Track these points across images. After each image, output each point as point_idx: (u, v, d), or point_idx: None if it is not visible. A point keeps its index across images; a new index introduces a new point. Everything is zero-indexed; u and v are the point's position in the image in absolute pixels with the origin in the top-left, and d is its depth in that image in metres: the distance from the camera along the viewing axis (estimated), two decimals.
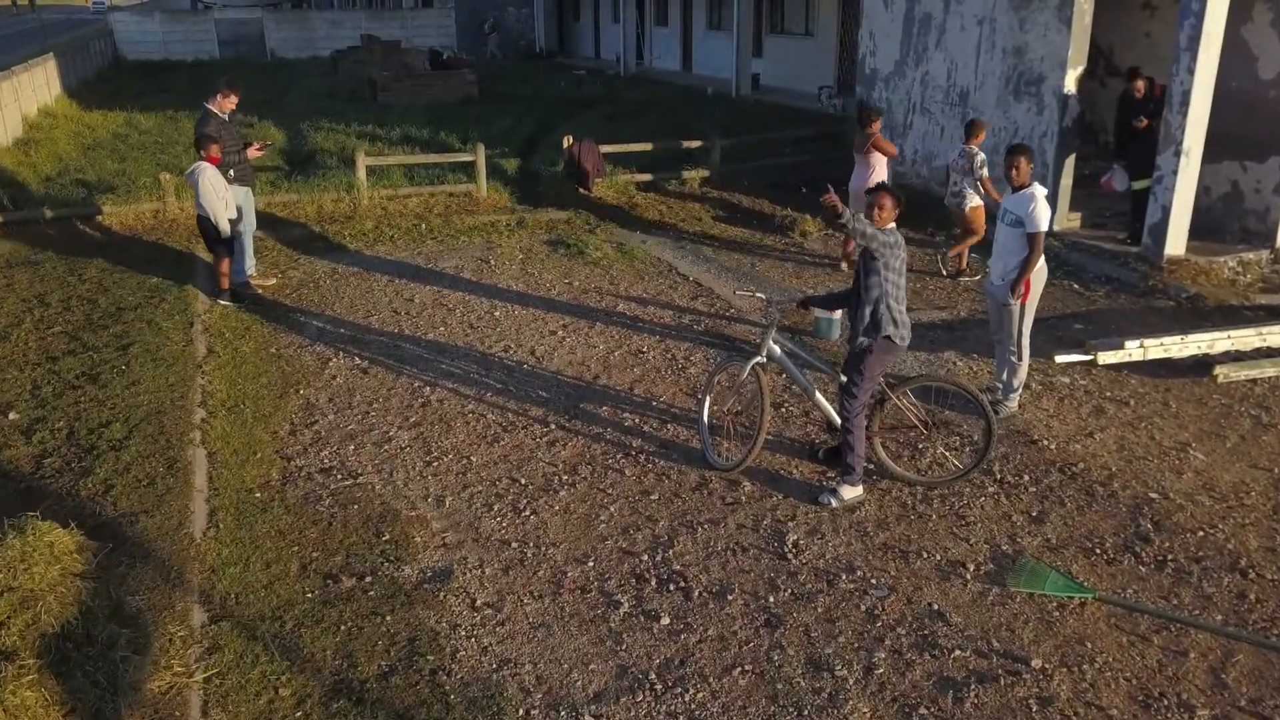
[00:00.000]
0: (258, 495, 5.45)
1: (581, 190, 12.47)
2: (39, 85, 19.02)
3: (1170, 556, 5.00)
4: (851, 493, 5.51)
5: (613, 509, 5.42)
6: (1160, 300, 9.01)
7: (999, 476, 5.80)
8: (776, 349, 5.78)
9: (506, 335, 8.07)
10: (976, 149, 9.57)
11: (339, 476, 5.72)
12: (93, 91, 23.34)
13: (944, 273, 10.02)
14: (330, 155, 14.23)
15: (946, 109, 12.39)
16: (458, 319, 8.45)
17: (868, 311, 5.32)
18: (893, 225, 5.29)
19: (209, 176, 8.35)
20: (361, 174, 11.61)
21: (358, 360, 7.50)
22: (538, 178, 13.81)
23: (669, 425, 6.45)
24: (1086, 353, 7.48)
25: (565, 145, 12.38)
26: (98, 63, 28.49)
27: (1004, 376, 6.71)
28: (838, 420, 5.66)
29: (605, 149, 12.65)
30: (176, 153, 14.43)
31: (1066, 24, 10.43)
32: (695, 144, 13.46)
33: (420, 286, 9.34)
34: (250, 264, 9.25)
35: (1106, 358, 7.29)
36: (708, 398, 6.07)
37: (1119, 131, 10.58)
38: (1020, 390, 6.65)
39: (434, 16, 36.56)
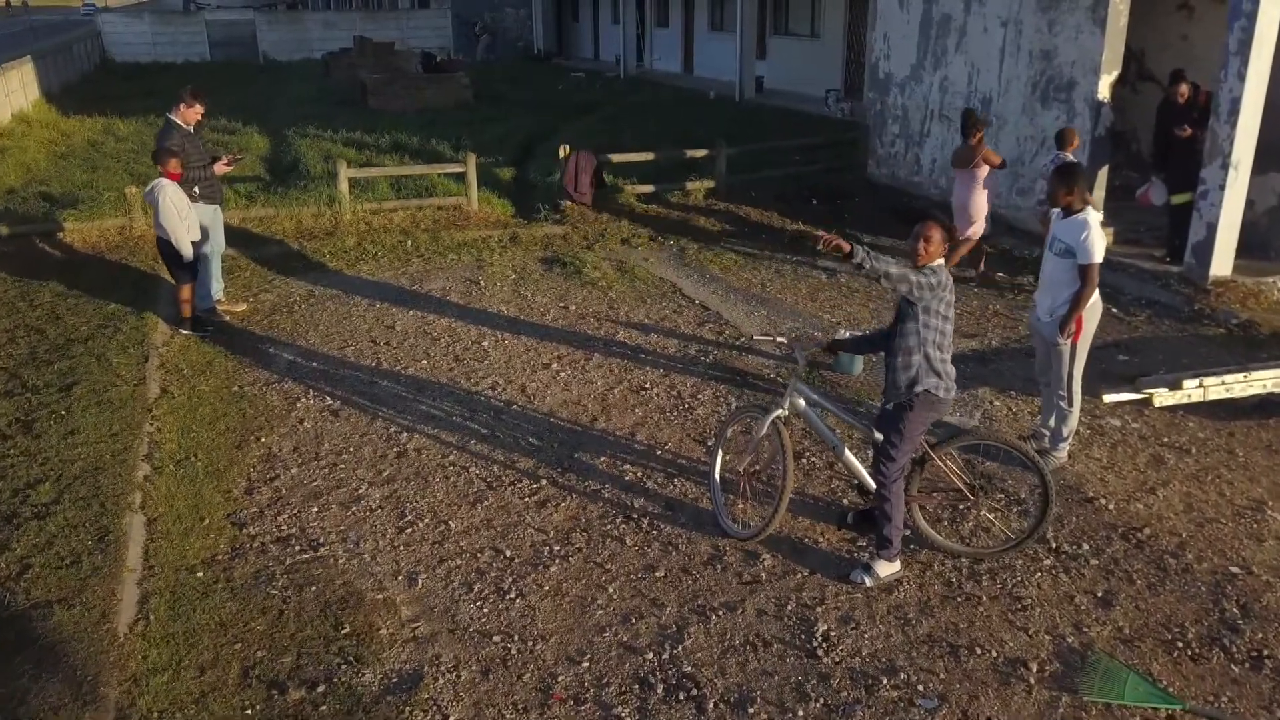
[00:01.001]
0: (200, 575, 4.70)
1: (579, 203, 11.73)
2: (13, 90, 18.29)
3: (1266, 652, 4.25)
4: (888, 569, 4.76)
5: (611, 590, 4.67)
6: (1208, 326, 8.27)
7: (1055, 545, 5.05)
8: (801, 401, 5.02)
9: (495, 369, 7.33)
10: (1070, 157, 8.77)
11: (297, 548, 4.98)
12: (75, 96, 22.61)
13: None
14: (314, 165, 13.48)
15: None
16: (442, 350, 7.70)
17: (906, 363, 4.57)
18: (939, 262, 4.54)
19: (170, 194, 7.62)
20: (344, 187, 10.87)
21: (329, 400, 6.76)
22: (533, 188, 13.09)
23: (675, 480, 5.71)
24: (1138, 391, 6.73)
25: (562, 156, 11.65)
26: (82, 65, 27.77)
27: (1051, 423, 5.97)
28: (871, 484, 4.92)
29: (604, 159, 11.90)
30: (151, 162, 13.67)
31: (1100, 26, 9.69)
32: (700, 154, 12.71)
33: (403, 312, 8.59)
34: (217, 288, 8.51)
35: (1163, 399, 6.54)
36: (720, 452, 5.32)
37: (1158, 141, 9.84)
38: (1070, 439, 5.90)
39: (430, 18, 35.84)
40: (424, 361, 7.47)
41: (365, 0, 50.82)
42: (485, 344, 7.84)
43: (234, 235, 10.46)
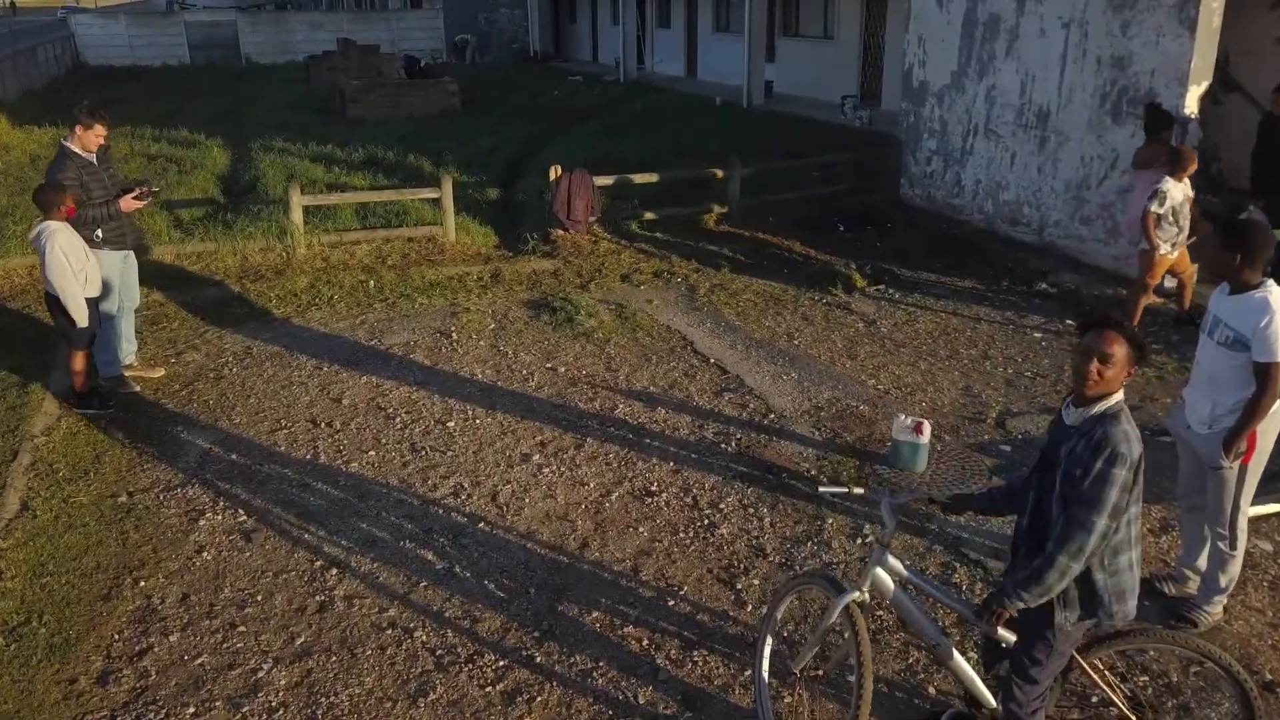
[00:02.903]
0: None
1: (572, 233, 10.19)
2: None
3: None
4: None
5: None
6: None
7: None
8: (888, 580, 3.42)
9: (461, 464, 5.79)
10: (1176, 187, 7.19)
11: None
12: (35, 103, 21.06)
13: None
14: (274, 185, 11.94)
15: (1020, 131, 10.11)
16: (396, 434, 6.17)
17: (1063, 571, 2.95)
18: (1118, 398, 2.98)
19: (60, 241, 6.07)
20: (296, 216, 9.31)
21: (243, 515, 5.22)
22: (522, 210, 11.55)
23: (695, 653, 4.17)
24: None
25: (552, 178, 10.11)
26: (51, 70, 26.26)
27: (1200, 563, 4.44)
28: (991, 701, 3.38)
29: (601, 180, 10.37)
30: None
31: (1189, 28, 8.17)
32: (712, 173, 11.17)
33: (355, 377, 7.06)
34: (128, 350, 6.98)
35: None
36: (768, 641, 3.76)
37: (1257, 163, 8.31)
38: (1229, 590, 4.36)
39: (421, 19, 34.31)
40: (372, 453, 5.93)
41: (357, 0, 49.36)
42: (451, 424, 6.30)
43: (166, 275, 8.95)
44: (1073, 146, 9.51)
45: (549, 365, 7.32)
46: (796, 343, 7.84)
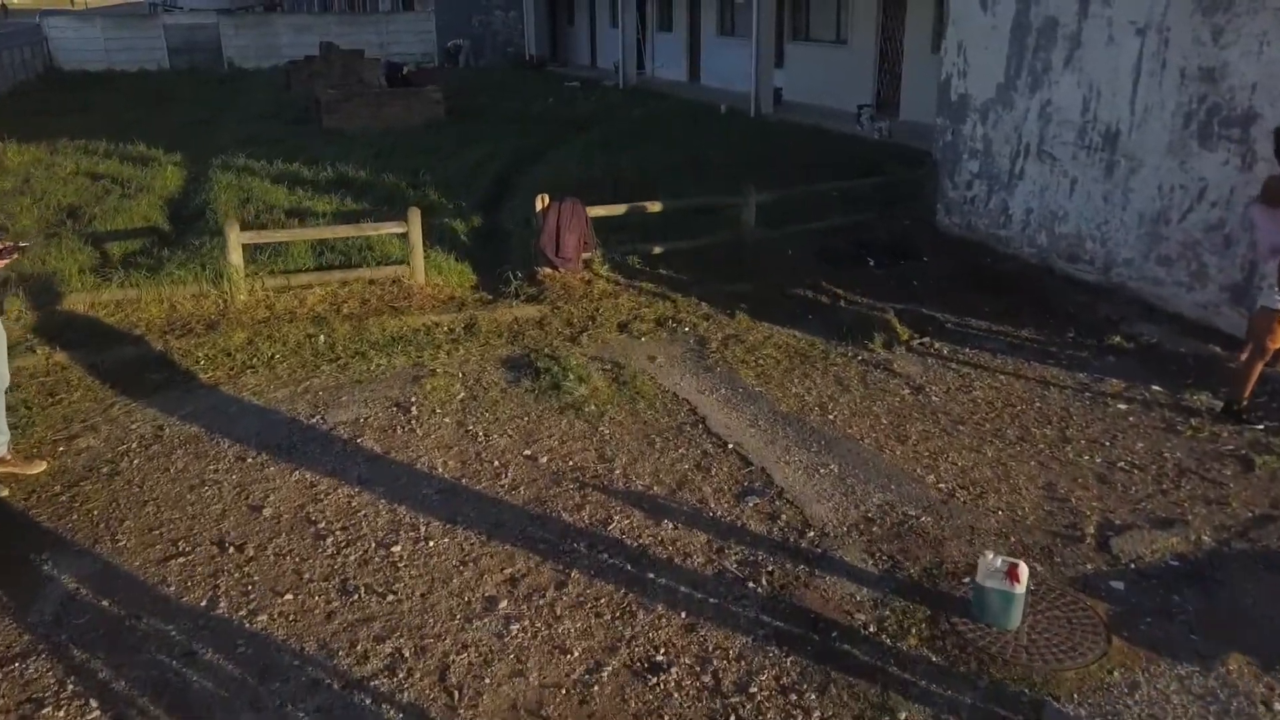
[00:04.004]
0: None
1: (562, 272, 8.79)
2: None
3: None
4: None
5: None
6: None
7: None
8: None
9: (403, 616, 4.37)
10: None
11: None
12: None
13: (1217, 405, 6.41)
14: (228, 212, 10.54)
15: (1081, 153, 8.70)
16: (323, 565, 4.75)
17: None
18: None
19: None
20: (235, 257, 7.88)
21: (95, 712, 3.80)
22: (506, 241, 10.14)
23: None
24: None
25: (538, 208, 8.70)
26: (18, 75, 24.91)
27: None
28: None
29: (597, 212, 8.95)
30: (18, 209, 10.75)
31: None
32: (725, 202, 9.77)
33: (285, 472, 5.65)
34: (1, 442, 5.56)
35: None
36: None
37: None
38: None
39: (412, 22, 32.95)
40: (289, 596, 4.51)
41: (351, 2, 48.01)
42: (397, 548, 4.89)
43: (75, 330, 7.55)
44: (1147, 173, 8.10)
45: (528, 453, 5.91)
46: (832, 418, 6.43)
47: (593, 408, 6.50)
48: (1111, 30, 8.24)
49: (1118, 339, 7.72)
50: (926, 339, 7.81)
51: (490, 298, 8.62)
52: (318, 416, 6.37)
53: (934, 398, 6.77)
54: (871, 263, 9.60)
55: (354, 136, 15.90)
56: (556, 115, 19.10)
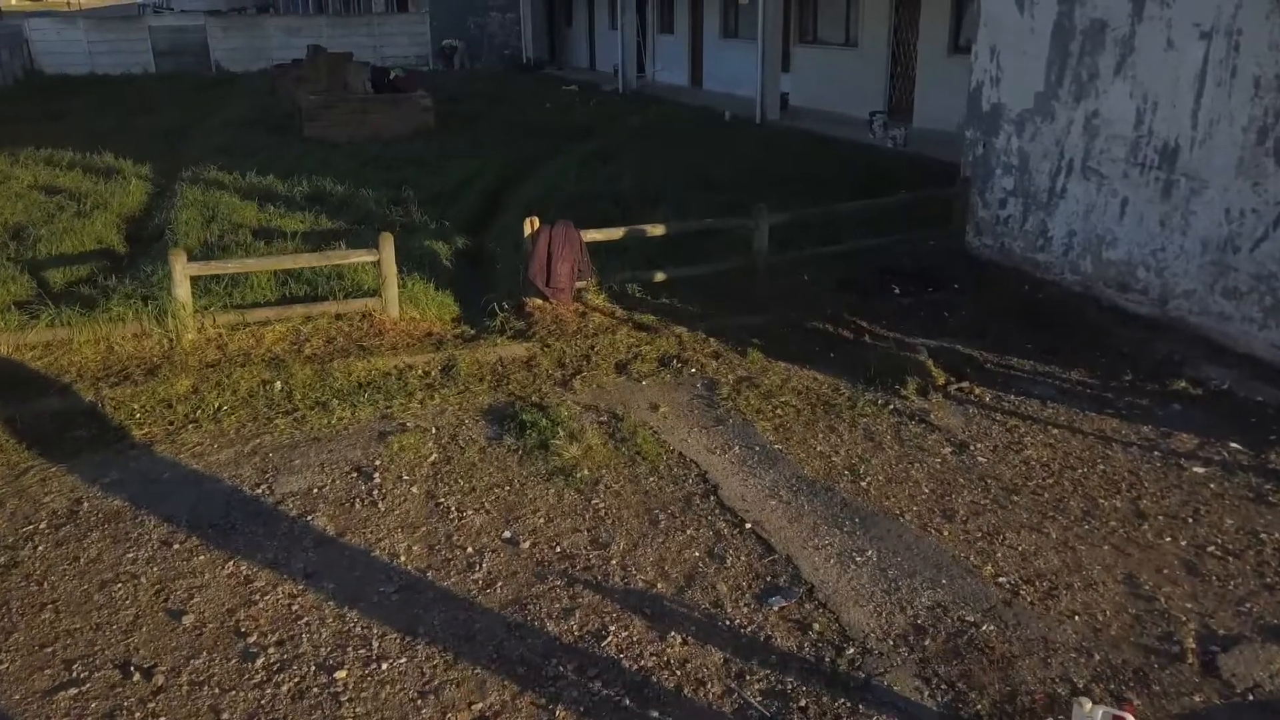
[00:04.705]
0: None
1: (554, 303, 7.87)
2: None
3: None
4: None
5: None
6: None
7: None
8: None
9: None
10: None
11: None
12: None
13: None
14: (189, 232, 9.62)
15: (1134, 171, 7.79)
16: (247, 700, 3.82)
17: None
18: None
19: None
20: (182, 292, 6.95)
21: None
22: (494, 265, 9.22)
23: None
24: None
25: (527, 233, 7.78)
26: None
27: None
28: None
29: (592, 236, 8.03)
30: None
31: None
32: (736, 225, 8.86)
33: (217, 563, 4.73)
34: None
35: None
36: None
37: None
38: None
39: (406, 24, 32.06)
40: None
41: (345, 3, 47.12)
42: (342, 675, 3.96)
43: None
44: (1213, 195, 7.19)
45: (507, 534, 4.99)
46: (865, 485, 5.51)
47: (585, 473, 5.59)
48: (1171, 33, 7.32)
49: (1183, 384, 6.80)
50: (965, 383, 6.89)
51: (473, 332, 7.70)
52: (264, 485, 5.45)
53: (980, 458, 5.86)
54: (897, 291, 8.68)
55: (336, 146, 14.98)
56: (553, 122, 18.19)
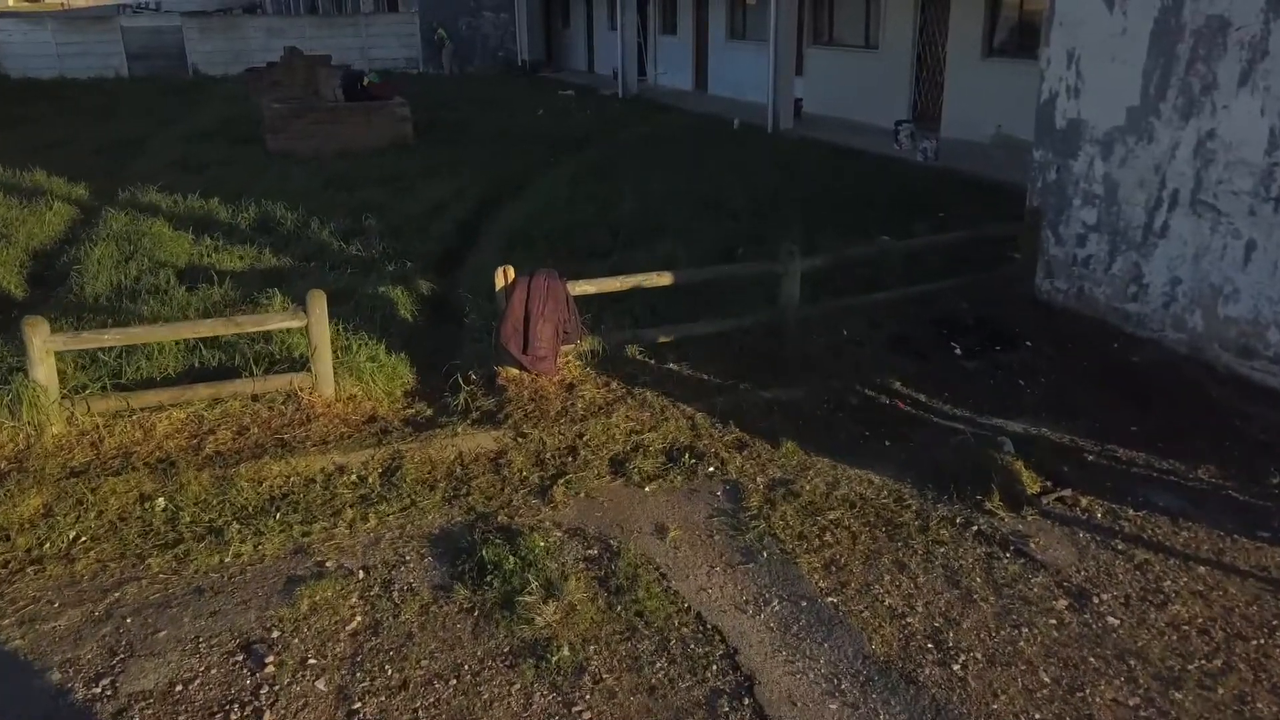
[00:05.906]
0: None
1: (533, 374, 6.24)
2: None
3: None
4: None
5: None
6: None
7: None
8: None
9: None
10: None
11: None
12: None
13: None
14: (99, 273, 8.01)
15: (1264, 207, 6.16)
16: None
17: None
18: None
19: None
20: (42, 374, 5.28)
21: None
22: (463, 319, 7.55)
23: None
24: None
25: (499, 286, 6.15)
26: None
27: None
28: None
29: (583, 289, 6.39)
30: None
31: None
32: (753, 270, 7.24)
33: None
34: None
35: None
36: None
37: None
38: None
39: (393, 25, 30.48)
40: None
41: (336, 4, 45.56)
42: None
43: None
44: None
45: None
46: (957, 669, 3.89)
47: (565, 653, 3.97)
48: None
49: None
50: (1068, 492, 5.26)
51: (429, 413, 6.08)
52: (108, 679, 3.83)
53: (1110, 618, 4.24)
54: (958, 351, 7.06)
55: (302, 161, 13.35)
56: (546, 132, 16.59)
